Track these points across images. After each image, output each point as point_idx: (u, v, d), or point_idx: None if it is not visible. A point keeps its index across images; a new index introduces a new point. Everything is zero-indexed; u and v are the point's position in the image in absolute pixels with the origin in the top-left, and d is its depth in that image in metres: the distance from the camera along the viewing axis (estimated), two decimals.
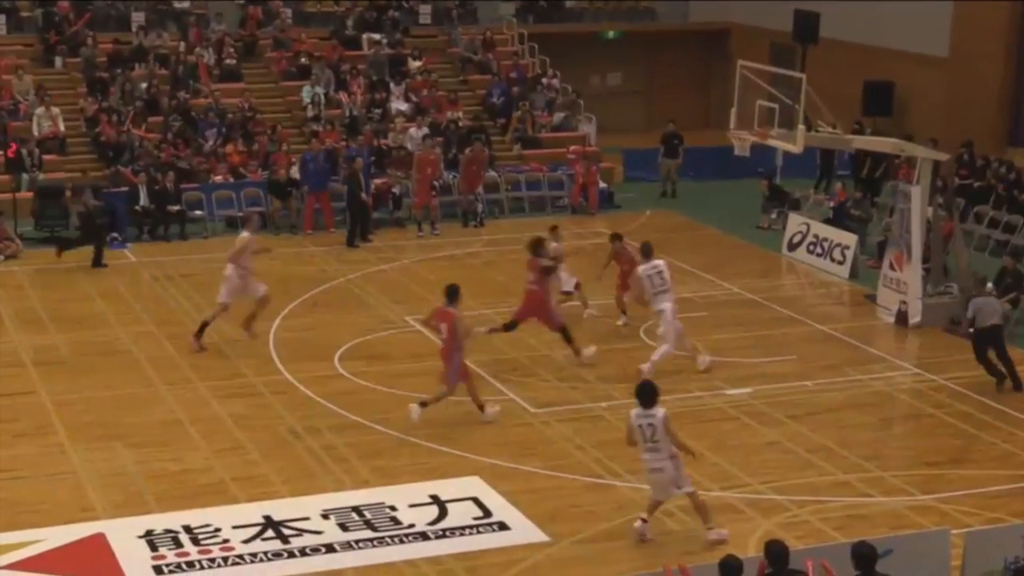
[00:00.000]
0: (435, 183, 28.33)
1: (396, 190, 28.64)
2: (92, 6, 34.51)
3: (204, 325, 20.49)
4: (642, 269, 19.70)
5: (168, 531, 14.41)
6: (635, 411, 14.22)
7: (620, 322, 21.73)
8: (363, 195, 27.04)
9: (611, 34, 39.68)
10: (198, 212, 27.87)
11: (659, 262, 19.67)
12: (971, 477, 16.21)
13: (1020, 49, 30.74)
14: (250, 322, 20.67)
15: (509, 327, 20.12)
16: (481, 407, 17.68)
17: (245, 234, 20.81)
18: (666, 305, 19.34)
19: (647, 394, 14.20)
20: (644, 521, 14.45)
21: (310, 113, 31.78)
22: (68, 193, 26.79)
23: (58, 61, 32.57)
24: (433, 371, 19.44)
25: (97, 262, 24.87)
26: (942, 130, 30.10)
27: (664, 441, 14.10)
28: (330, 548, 14.18)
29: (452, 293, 17.58)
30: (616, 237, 22.03)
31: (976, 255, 24.99)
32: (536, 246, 20.01)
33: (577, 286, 21.84)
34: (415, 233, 27.96)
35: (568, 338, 19.90)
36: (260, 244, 21.25)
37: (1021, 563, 11.64)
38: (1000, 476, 16.24)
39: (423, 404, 17.36)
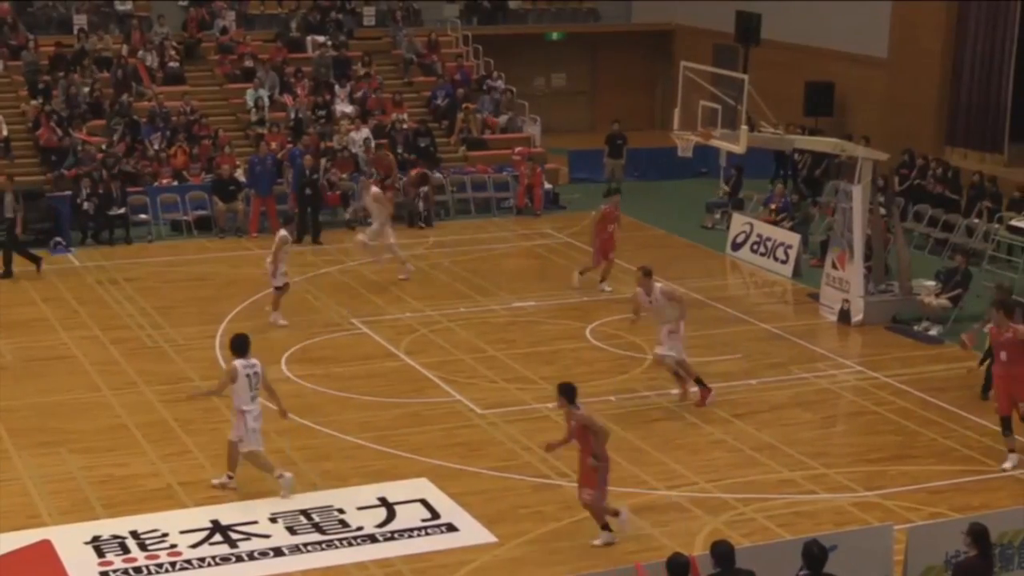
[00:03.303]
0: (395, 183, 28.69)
1: (331, 174, 28.65)
2: (33, 7, 34.22)
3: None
4: None
5: (115, 537, 14.35)
6: (239, 362, 15.16)
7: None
8: (310, 190, 27.08)
9: (555, 35, 39.76)
10: (143, 216, 27.72)
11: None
12: (913, 473, 16.43)
13: (957, 50, 31.07)
14: None
15: None
16: None
17: None
18: None
19: (245, 343, 15.27)
20: (231, 477, 15.50)
21: (254, 117, 31.66)
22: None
23: None
24: (379, 373, 19.51)
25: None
26: (881, 130, 30.44)
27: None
28: (278, 552, 14.18)
29: None
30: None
31: (916, 253, 25.27)
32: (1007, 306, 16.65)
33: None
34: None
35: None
36: None
37: (961, 556, 11.81)
38: (941, 471, 16.47)
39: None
